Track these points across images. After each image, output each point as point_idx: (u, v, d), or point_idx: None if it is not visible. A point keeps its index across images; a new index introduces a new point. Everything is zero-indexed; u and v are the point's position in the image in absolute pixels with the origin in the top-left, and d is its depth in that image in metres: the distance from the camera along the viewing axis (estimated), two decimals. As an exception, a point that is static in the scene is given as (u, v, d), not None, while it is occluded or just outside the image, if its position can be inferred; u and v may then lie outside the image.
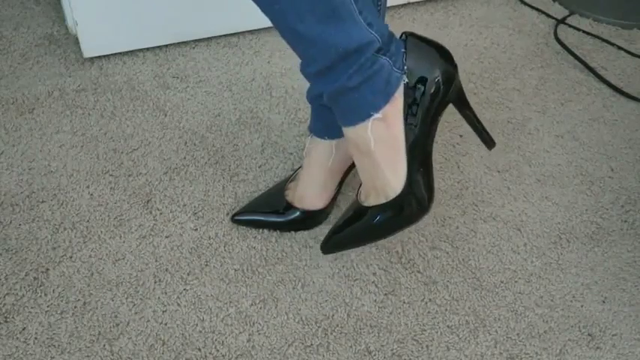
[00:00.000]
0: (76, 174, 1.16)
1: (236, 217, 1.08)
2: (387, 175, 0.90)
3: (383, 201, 0.92)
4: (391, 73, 0.86)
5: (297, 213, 1.06)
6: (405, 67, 0.87)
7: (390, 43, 0.86)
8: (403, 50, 0.88)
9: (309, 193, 1.06)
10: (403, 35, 0.89)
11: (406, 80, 0.88)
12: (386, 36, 0.86)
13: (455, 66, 0.91)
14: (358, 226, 0.95)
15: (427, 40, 0.90)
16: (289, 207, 1.06)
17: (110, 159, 1.19)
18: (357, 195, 0.97)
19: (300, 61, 0.87)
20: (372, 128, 0.88)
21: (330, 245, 0.99)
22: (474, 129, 0.97)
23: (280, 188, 1.09)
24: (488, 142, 0.98)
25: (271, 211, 1.08)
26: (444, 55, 0.90)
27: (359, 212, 0.95)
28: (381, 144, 0.89)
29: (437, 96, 0.90)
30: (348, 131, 0.90)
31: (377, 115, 0.87)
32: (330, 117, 0.98)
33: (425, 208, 0.93)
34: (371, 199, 0.93)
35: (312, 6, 0.78)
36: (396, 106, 0.88)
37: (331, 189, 1.07)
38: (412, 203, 0.92)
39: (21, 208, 1.10)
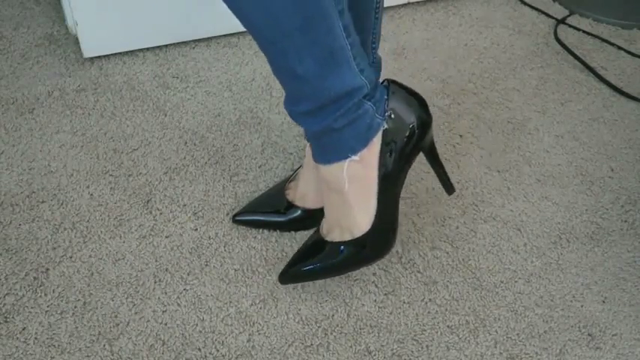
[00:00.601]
0: (76, 174, 1.16)
1: (237, 218, 1.08)
2: (356, 214, 0.92)
3: (347, 238, 0.94)
4: (373, 119, 0.89)
5: (299, 212, 1.06)
6: (386, 113, 0.90)
7: (376, 90, 0.89)
8: (385, 97, 0.90)
9: (311, 192, 1.06)
10: (385, 82, 0.92)
11: (386, 126, 0.90)
12: (373, 82, 0.88)
13: (430, 116, 0.94)
14: (320, 261, 0.96)
15: (407, 88, 0.93)
16: (290, 206, 1.06)
17: (110, 159, 1.19)
18: (319, 228, 0.98)
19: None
20: (347, 169, 0.90)
21: (289, 277, 0.98)
22: (438, 177, 1.00)
23: (280, 188, 1.09)
24: (449, 188, 1.01)
25: (272, 211, 1.08)
26: (421, 103, 0.93)
27: (321, 246, 0.96)
28: (354, 185, 0.91)
29: (411, 140, 0.92)
30: (322, 169, 0.92)
31: (354, 157, 0.89)
32: None
33: (388, 248, 0.95)
34: (334, 235, 0.95)
35: (313, 49, 0.80)
36: (373, 149, 0.90)
37: None
38: (376, 243, 0.94)
39: (21, 208, 1.10)
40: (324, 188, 0.94)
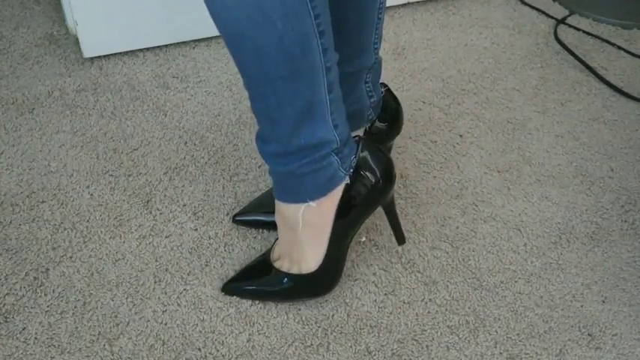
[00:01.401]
0: (76, 174, 1.16)
1: (237, 218, 1.08)
2: (306, 253, 0.95)
3: (295, 271, 0.96)
4: (336, 172, 0.90)
5: None
6: (351, 170, 0.92)
7: (345, 146, 0.90)
8: (354, 153, 0.92)
9: None
10: (357, 137, 0.94)
11: (348, 181, 0.92)
12: (345, 138, 0.89)
13: (394, 176, 0.96)
14: (263, 285, 0.99)
15: (377, 146, 0.96)
16: None
17: (110, 159, 1.19)
18: (270, 251, 1.00)
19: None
20: (303, 212, 0.92)
21: (231, 289, 1.00)
22: (392, 228, 1.02)
23: None
24: (400, 239, 1.04)
25: (272, 211, 1.07)
26: (389, 164, 0.96)
27: (267, 270, 0.98)
28: (308, 227, 0.93)
29: (372, 196, 0.95)
30: (280, 204, 0.94)
31: (311, 204, 0.91)
32: None
33: (331, 287, 0.98)
34: (283, 264, 0.97)
35: (293, 98, 0.82)
36: (332, 199, 0.92)
37: None
38: (320, 281, 0.97)
39: (21, 208, 1.10)
40: (279, 220, 0.96)
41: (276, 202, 0.94)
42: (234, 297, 1.00)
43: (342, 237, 0.95)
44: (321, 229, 0.93)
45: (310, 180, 0.89)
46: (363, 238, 1.08)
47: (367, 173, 0.93)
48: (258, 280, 0.99)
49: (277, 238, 0.99)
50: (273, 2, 0.74)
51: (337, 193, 0.92)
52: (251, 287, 0.99)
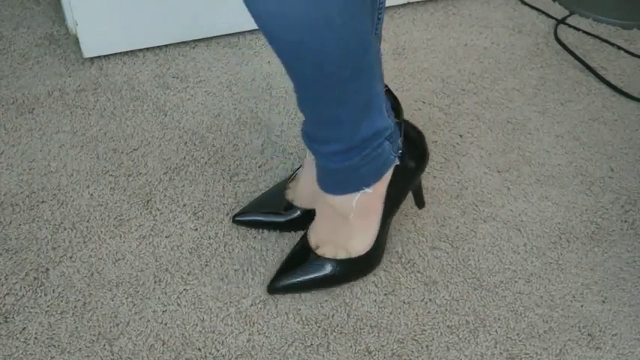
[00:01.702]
0: (76, 174, 1.16)
1: (237, 218, 1.08)
2: (357, 238, 0.97)
3: (342, 256, 0.98)
4: (389, 156, 0.93)
5: (298, 212, 1.06)
6: (399, 151, 0.95)
7: (394, 129, 0.93)
8: (400, 137, 0.95)
9: (310, 193, 1.06)
10: (397, 120, 0.96)
11: (398, 162, 0.95)
12: (393, 122, 0.92)
13: (428, 154, 1.02)
14: (309, 273, 0.99)
15: (413, 124, 1.00)
16: (290, 206, 1.06)
17: (110, 159, 1.19)
18: (306, 238, 1.00)
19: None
20: (357, 200, 0.94)
21: (280, 288, 1.00)
22: (415, 194, 1.06)
23: (280, 188, 1.09)
24: (421, 203, 1.08)
25: (271, 212, 1.08)
26: (423, 140, 1.00)
27: (309, 258, 0.99)
28: (361, 213, 0.95)
29: (414, 172, 0.99)
30: (329, 197, 0.95)
31: (367, 190, 0.94)
32: None
33: (375, 267, 1.02)
34: (326, 250, 0.98)
35: (357, 96, 0.83)
36: (383, 183, 0.95)
37: None
38: (368, 262, 1.00)
39: (21, 208, 1.10)
40: (326, 211, 0.97)
41: (324, 195, 0.95)
42: (235, 297, 1.00)
43: (387, 216, 0.98)
44: (374, 212, 0.96)
45: (367, 168, 0.91)
46: None
47: (409, 150, 0.97)
48: (304, 272, 0.99)
49: (305, 231, 1.01)
50: (335, 6, 0.73)
51: (388, 176, 0.94)
52: (299, 279, 0.99)
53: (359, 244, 0.97)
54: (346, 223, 0.96)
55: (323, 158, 0.91)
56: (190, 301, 0.99)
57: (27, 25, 1.47)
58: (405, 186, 0.99)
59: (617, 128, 1.29)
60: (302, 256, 1.00)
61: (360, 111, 0.85)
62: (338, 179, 0.93)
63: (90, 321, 0.96)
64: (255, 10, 0.73)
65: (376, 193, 0.95)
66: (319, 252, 0.99)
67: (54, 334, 0.95)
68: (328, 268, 0.98)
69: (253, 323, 0.97)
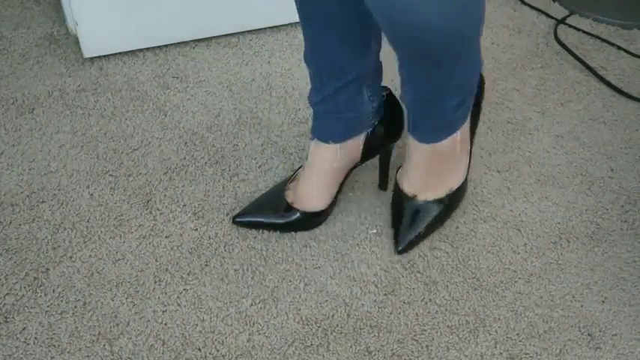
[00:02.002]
0: (76, 174, 1.16)
1: (237, 219, 1.08)
2: (460, 170, 1.07)
3: (445, 193, 1.07)
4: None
5: (297, 214, 1.06)
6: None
7: None
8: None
9: (310, 195, 1.06)
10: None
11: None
12: None
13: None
14: (425, 220, 1.07)
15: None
16: (289, 208, 1.06)
17: (110, 159, 1.19)
18: (400, 192, 1.07)
19: None
20: (460, 137, 1.03)
21: (407, 246, 1.07)
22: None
23: (280, 189, 1.09)
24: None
25: (271, 213, 1.08)
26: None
27: (419, 206, 1.07)
28: (462, 147, 1.04)
29: (478, 100, 1.08)
30: (435, 146, 1.02)
31: (463, 126, 1.02)
32: (334, 122, 1.01)
33: (466, 191, 1.12)
34: (428, 195, 1.06)
35: (478, 47, 0.91)
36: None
37: (333, 191, 1.07)
38: (465, 188, 1.10)
39: (21, 208, 1.10)
40: (428, 158, 1.04)
41: (428, 145, 1.02)
42: (235, 297, 1.00)
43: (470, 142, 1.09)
44: (466, 141, 1.06)
45: (465, 111, 1.01)
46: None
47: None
48: (420, 221, 1.07)
49: (395, 191, 1.09)
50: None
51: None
52: (420, 230, 1.06)
53: (460, 175, 1.07)
54: (454, 163, 1.05)
55: (453, 112, 0.99)
56: (190, 301, 0.99)
57: (27, 25, 1.47)
58: (476, 110, 1.08)
59: (617, 128, 1.29)
60: (409, 210, 1.07)
61: (478, 60, 0.95)
62: (441, 128, 1.01)
63: (90, 321, 0.96)
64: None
65: (466, 126, 1.04)
66: (421, 198, 1.06)
67: (54, 334, 0.95)
68: (436, 209, 1.07)
69: (253, 323, 0.97)
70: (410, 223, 1.06)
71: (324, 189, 1.06)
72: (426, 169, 1.05)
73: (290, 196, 1.07)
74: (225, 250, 1.06)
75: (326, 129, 1.03)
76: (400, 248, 1.06)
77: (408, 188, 1.06)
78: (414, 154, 1.05)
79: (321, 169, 1.05)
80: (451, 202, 1.09)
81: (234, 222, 1.08)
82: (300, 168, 1.09)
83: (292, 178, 1.09)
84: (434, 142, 1.02)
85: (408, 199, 1.06)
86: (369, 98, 1.03)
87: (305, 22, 0.96)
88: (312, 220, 1.07)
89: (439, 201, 1.06)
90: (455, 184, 1.07)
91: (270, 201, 1.09)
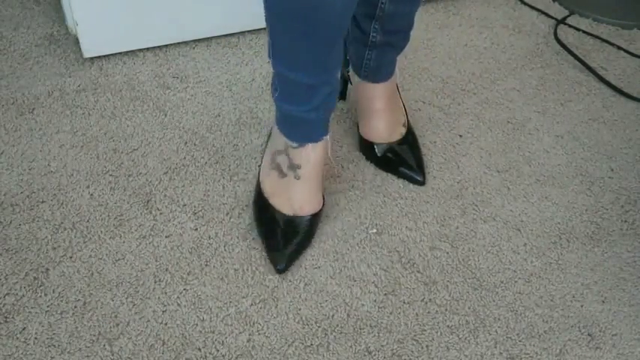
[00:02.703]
0: (76, 174, 1.16)
1: (282, 269, 1.03)
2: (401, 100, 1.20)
3: (405, 130, 1.19)
4: None
5: (308, 221, 1.05)
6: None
7: None
8: None
9: (311, 200, 1.05)
10: None
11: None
12: None
13: None
14: (418, 150, 1.20)
15: None
16: (297, 221, 1.05)
17: (110, 159, 1.19)
18: (376, 143, 1.17)
19: None
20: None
21: (424, 174, 1.18)
22: None
23: (269, 218, 1.06)
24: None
25: (295, 237, 1.05)
26: None
27: (409, 140, 1.18)
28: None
29: None
30: (386, 84, 1.13)
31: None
32: (326, 118, 1.01)
33: None
34: (401, 129, 1.17)
35: None
36: None
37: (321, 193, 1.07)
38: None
39: (21, 208, 1.10)
40: (386, 101, 1.14)
41: (381, 87, 1.13)
42: (235, 297, 1.00)
43: None
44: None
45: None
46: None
47: None
48: (418, 147, 1.21)
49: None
50: None
51: None
52: (419, 155, 1.20)
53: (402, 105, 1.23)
54: (398, 96, 1.21)
55: (406, 40, 1.11)
56: (190, 301, 0.99)
57: (27, 25, 1.47)
58: None
59: (617, 128, 1.29)
60: (406, 146, 1.19)
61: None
62: (398, 54, 1.14)
63: (90, 321, 0.96)
64: None
65: None
66: (400, 134, 1.18)
67: (54, 334, 0.95)
68: (413, 137, 1.21)
69: (253, 323, 0.97)
70: (410, 161, 1.16)
71: (320, 185, 1.06)
72: (385, 112, 1.14)
73: (286, 209, 1.04)
74: (225, 250, 1.06)
75: (317, 128, 1.02)
76: (423, 179, 1.17)
77: (386, 133, 1.16)
78: (375, 101, 1.13)
79: (318, 168, 1.04)
80: (411, 127, 1.20)
81: (281, 272, 1.03)
82: (259, 180, 1.07)
83: (259, 196, 1.07)
84: (384, 80, 1.12)
85: (393, 145, 1.16)
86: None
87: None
88: (318, 219, 1.07)
89: (408, 133, 1.18)
90: (403, 116, 1.19)
91: (277, 229, 1.06)
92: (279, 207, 1.04)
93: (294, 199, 1.04)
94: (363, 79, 1.13)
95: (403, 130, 1.18)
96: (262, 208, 1.06)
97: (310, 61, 0.91)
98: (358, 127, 1.20)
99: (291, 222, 1.03)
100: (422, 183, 1.16)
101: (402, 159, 1.16)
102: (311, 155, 1.02)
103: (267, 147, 1.08)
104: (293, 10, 0.84)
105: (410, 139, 1.19)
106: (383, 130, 1.16)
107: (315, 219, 1.05)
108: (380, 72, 1.12)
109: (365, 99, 1.15)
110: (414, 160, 1.17)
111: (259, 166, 1.10)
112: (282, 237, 1.03)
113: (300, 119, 0.99)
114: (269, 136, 1.09)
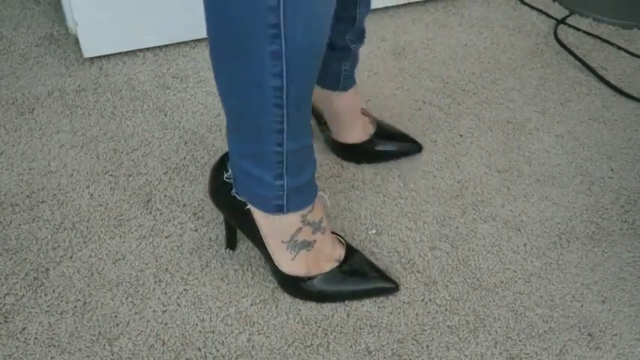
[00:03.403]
0: (76, 174, 1.16)
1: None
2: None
3: (374, 124, 1.21)
4: None
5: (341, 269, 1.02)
6: None
7: None
8: None
9: (329, 253, 1.02)
10: None
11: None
12: None
13: None
14: (399, 136, 1.24)
15: None
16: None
17: (110, 159, 1.19)
18: (351, 144, 1.19)
19: None
20: None
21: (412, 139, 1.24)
22: None
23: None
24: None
25: (351, 283, 1.02)
26: None
27: (384, 124, 1.23)
28: None
29: None
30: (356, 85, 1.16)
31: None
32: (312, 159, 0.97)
33: None
34: (363, 135, 1.20)
35: None
36: None
37: None
38: None
39: (21, 208, 1.10)
40: (357, 99, 1.16)
41: (353, 90, 1.15)
42: (235, 297, 1.00)
43: None
44: None
45: None
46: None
47: None
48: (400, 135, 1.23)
49: None
50: None
51: None
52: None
53: None
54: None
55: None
56: (190, 301, 0.99)
57: (27, 25, 1.47)
58: None
59: (617, 128, 1.29)
60: (379, 146, 1.21)
61: None
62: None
63: (90, 321, 0.96)
64: None
65: None
66: (364, 138, 1.20)
67: (54, 334, 0.95)
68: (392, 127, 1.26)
69: (253, 323, 0.97)
70: (397, 135, 1.21)
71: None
72: (354, 111, 1.16)
73: (330, 264, 0.99)
74: (225, 251, 1.06)
75: (315, 176, 0.95)
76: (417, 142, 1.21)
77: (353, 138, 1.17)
78: (356, 104, 1.16)
79: (327, 222, 0.99)
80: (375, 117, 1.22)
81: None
82: (285, 275, 0.98)
83: (308, 288, 0.99)
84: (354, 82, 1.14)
85: (362, 144, 1.18)
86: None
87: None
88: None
89: (378, 122, 1.20)
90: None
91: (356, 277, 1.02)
92: (328, 269, 0.99)
93: (335, 248, 1.00)
94: (341, 90, 1.13)
95: (374, 123, 1.21)
96: (324, 286, 0.99)
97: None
98: (334, 138, 1.19)
99: (347, 264, 1.00)
100: (419, 147, 1.22)
101: (391, 134, 1.21)
102: (321, 202, 0.98)
103: (269, 244, 0.97)
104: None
105: (383, 123, 1.22)
106: (363, 127, 1.19)
107: (348, 246, 1.02)
108: (353, 76, 1.14)
109: (345, 107, 1.16)
110: (398, 134, 1.22)
111: (267, 264, 1.00)
112: (361, 275, 1.00)
113: (307, 182, 0.94)
114: (259, 236, 0.97)
